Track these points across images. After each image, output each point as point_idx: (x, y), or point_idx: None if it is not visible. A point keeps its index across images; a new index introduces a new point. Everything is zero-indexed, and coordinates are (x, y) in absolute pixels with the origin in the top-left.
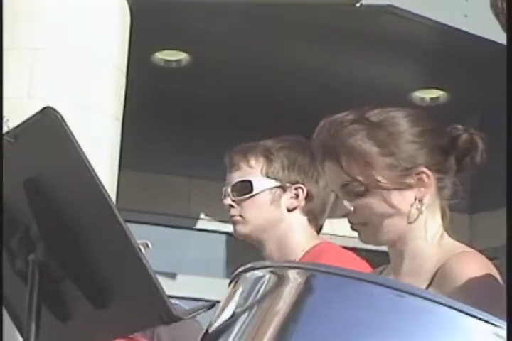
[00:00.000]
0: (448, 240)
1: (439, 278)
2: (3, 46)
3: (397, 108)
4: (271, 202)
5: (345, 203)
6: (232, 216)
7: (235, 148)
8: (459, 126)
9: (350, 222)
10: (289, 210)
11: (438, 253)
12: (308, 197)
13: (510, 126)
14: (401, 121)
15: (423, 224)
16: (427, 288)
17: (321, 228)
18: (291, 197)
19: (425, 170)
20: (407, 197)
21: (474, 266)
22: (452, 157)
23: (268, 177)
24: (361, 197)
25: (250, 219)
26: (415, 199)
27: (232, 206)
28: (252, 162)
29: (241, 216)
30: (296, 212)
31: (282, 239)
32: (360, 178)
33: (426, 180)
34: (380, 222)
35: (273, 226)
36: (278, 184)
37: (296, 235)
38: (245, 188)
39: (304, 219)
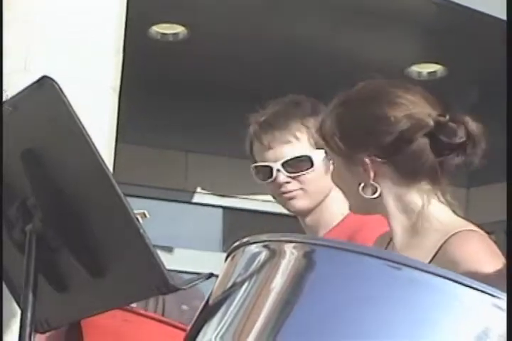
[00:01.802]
0: (449, 215)
1: (440, 256)
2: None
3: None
4: (325, 172)
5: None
6: (290, 191)
7: (262, 123)
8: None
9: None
10: None
11: (439, 229)
12: None
13: (510, 102)
14: (402, 94)
15: (426, 203)
16: (429, 263)
17: None
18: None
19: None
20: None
21: (475, 247)
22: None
23: (316, 147)
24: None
25: (312, 192)
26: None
27: (287, 182)
28: (298, 134)
29: (302, 189)
30: None
31: (328, 206)
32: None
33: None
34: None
35: (327, 195)
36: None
37: (338, 200)
38: (304, 163)
39: None
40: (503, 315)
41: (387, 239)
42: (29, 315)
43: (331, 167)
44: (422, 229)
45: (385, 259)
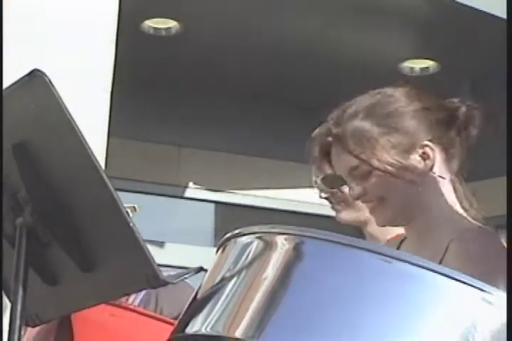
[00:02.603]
0: (458, 212)
1: (448, 254)
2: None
3: (394, 86)
4: None
5: (356, 187)
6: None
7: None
8: (455, 100)
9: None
10: None
11: (449, 228)
12: None
13: (510, 99)
14: (397, 99)
15: (434, 198)
16: (440, 261)
17: None
18: None
19: (428, 143)
20: (414, 171)
21: (480, 246)
22: (453, 130)
23: None
24: (370, 177)
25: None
26: (424, 175)
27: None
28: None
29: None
30: None
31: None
32: (366, 159)
33: (430, 153)
34: (390, 201)
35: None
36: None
37: None
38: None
39: None
40: (492, 310)
41: (398, 242)
42: (19, 308)
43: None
44: (437, 226)
45: (375, 252)
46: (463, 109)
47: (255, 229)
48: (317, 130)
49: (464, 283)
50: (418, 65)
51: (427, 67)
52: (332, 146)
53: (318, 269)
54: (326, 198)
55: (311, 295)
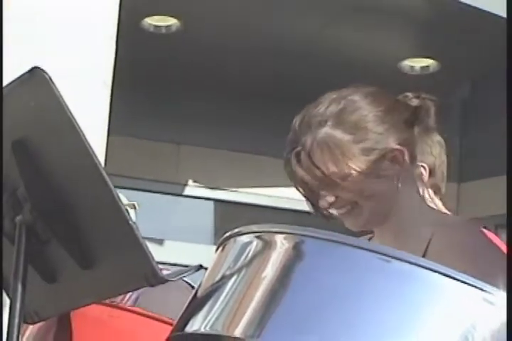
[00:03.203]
0: (432, 209)
1: (431, 249)
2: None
3: (352, 89)
4: None
5: (327, 195)
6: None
7: None
8: (409, 94)
9: (334, 212)
10: None
11: (425, 224)
12: None
13: (510, 99)
14: (362, 104)
15: (407, 199)
16: (423, 254)
17: None
18: None
19: (398, 147)
20: (387, 175)
21: (469, 236)
22: (417, 127)
23: None
24: (343, 184)
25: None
26: (394, 178)
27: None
28: None
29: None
30: None
31: None
32: (336, 170)
33: (400, 156)
34: (364, 206)
35: None
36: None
37: None
38: None
39: None
40: (493, 310)
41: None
42: (18, 305)
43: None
44: (412, 224)
45: (375, 252)
46: (421, 103)
47: (255, 228)
48: (287, 146)
49: (465, 282)
50: (418, 63)
51: (427, 66)
52: (300, 156)
53: (317, 268)
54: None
55: (311, 294)
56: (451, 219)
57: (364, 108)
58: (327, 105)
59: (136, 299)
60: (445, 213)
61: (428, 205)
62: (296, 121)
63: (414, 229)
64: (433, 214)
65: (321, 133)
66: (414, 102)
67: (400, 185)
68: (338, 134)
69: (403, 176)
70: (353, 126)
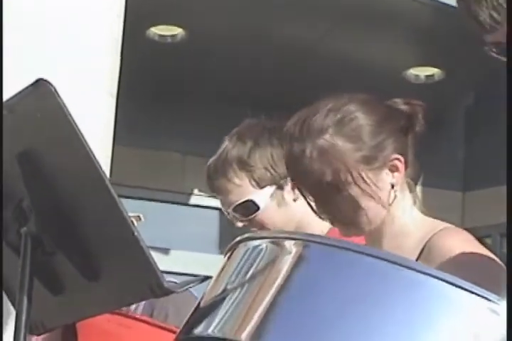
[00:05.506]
0: (423, 216)
1: (426, 255)
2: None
3: (348, 98)
4: (278, 206)
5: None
6: (255, 231)
7: (206, 172)
8: (398, 100)
9: (330, 220)
10: (294, 200)
11: (418, 230)
12: None
13: (510, 105)
14: (358, 114)
15: (398, 205)
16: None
17: None
18: (290, 190)
19: (397, 156)
20: (384, 185)
21: (461, 241)
22: (411, 134)
23: (261, 187)
24: (338, 194)
25: (272, 227)
26: (392, 186)
27: (245, 225)
28: (237, 180)
29: (264, 228)
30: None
31: (302, 227)
32: (337, 177)
33: (399, 165)
34: (362, 214)
35: (291, 222)
36: (274, 187)
37: (313, 219)
38: (249, 207)
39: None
40: (498, 320)
41: None
42: (24, 317)
43: (286, 196)
44: (405, 231)
45: (384, 260)
46: (411, 110)
47: (264, 233)
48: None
49: (471, 292)
50: (423, 72)
51: (432, 75)
52: (296, 162)
53: (325, 275)
54: (244, 226)
55: (319, 301)
56: (443, 226)
57: (361, 117)
58: (325, 115)
59: (151, 309)
60: (436, 220)
61: (419, 211)
62: (295, 127)
63: (406, 236)
64: (425, 220)
65: (321, 142)
66: (405, 108)
67: (396, 193)
68: (340, 142)
69: (400, 183)
70: (354, 136)
